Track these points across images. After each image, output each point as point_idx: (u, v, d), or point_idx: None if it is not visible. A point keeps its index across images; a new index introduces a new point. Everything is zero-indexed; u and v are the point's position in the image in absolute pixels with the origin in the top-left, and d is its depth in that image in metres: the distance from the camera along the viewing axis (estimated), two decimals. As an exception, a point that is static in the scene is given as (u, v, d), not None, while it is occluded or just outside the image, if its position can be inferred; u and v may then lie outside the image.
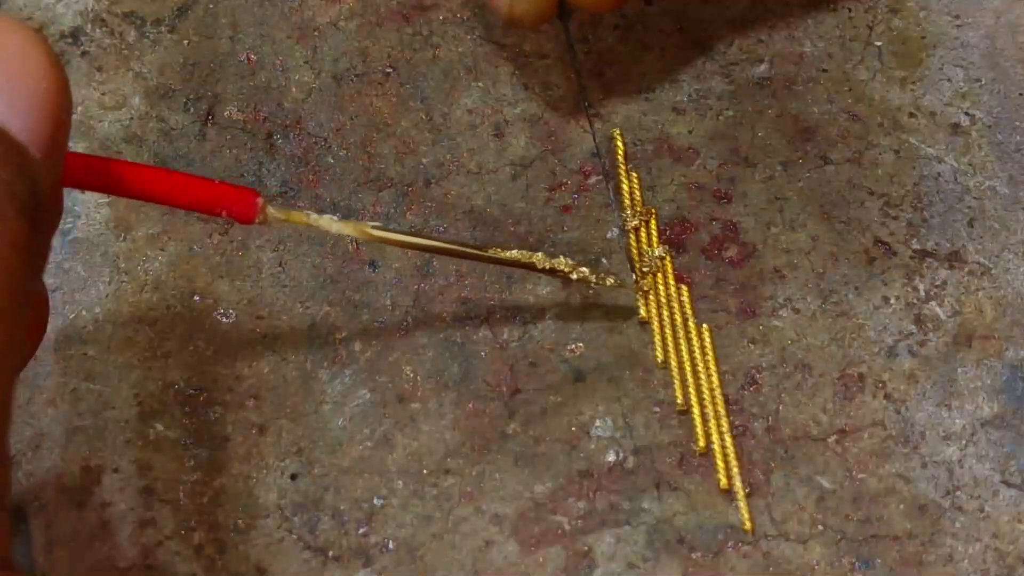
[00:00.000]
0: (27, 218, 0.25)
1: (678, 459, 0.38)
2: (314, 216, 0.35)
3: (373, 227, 0.36)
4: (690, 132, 0.44)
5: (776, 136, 0.43)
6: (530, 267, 0.38)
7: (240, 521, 0.37)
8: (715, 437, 0.38)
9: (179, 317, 0.40)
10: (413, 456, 0.38)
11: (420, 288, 0.41)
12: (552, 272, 0.38)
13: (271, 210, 0.33)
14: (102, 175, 0.31)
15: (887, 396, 0.39)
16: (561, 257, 0.38)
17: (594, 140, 0.43)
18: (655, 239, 0.41)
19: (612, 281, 0.39)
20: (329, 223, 0.35)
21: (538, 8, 0.40)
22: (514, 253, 0.38)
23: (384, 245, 0.39)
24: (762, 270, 0.41)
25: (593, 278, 0.39)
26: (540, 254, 0.38)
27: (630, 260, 0.41)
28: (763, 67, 0.45)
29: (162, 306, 0.40)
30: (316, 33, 0.46)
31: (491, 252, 0.38)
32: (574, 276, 0.39)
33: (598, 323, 0.40)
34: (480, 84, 0.45)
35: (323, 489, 0.37)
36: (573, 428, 0.38)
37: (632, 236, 0.41)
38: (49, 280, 0.40)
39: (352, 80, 0.45)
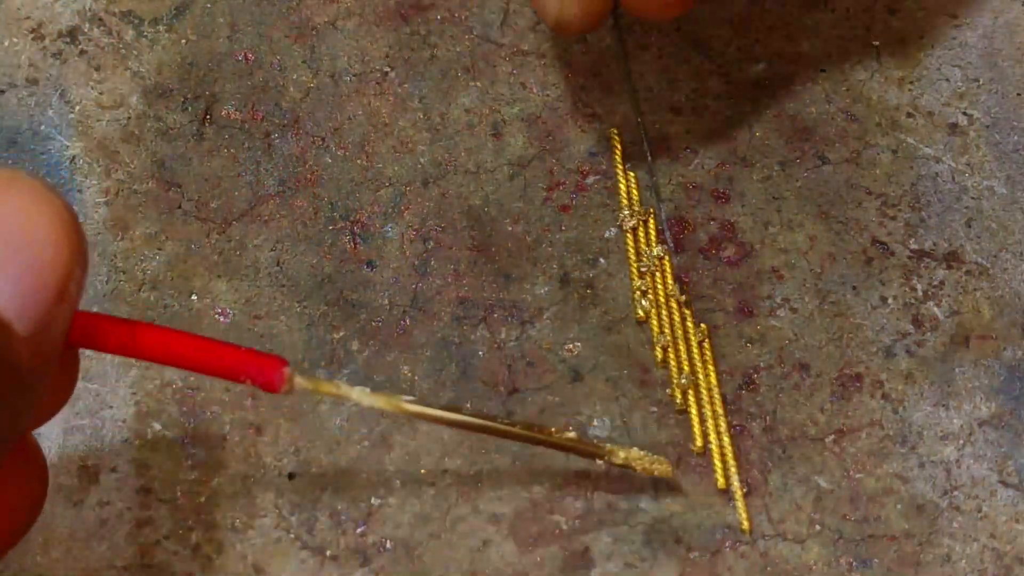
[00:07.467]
0: None
1: (676, 459, 0.38)
2: (344, 387, 0.32)
3: (408, 401, 0.33)
4: (688, 132, 0.44)
5: (774, 136, 0.43)
6: (587, 453, 0.36)
7: (237, 520, 0.37)
8: (713, 437, 0.38)
9: (177, 316, 0.40)
10: (411, 456, 0.38)
11: (418, 288, 0.41)
12: (613, 463, 0.36)
13: (299, 380, 0.31)
14: (115, 337, 0.29)
15: (885, 396, 0.39)
16: (635, 450, 0.36)
17: (649, 159, 0.42)
18: (653, 239, 0.41)
19: (661, 468, 0.36)
20: (360, 395, 0.32)
21: (588, 13, 0.38)
22: (568, 436, 0.35)
23: (384, 249, 0.39)
24: (760, 270, 0.41)
25: (653, 467, 0.36)
26: (610, 445, 0.36)
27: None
28: (761, 67, 0.45)
29: (160, 305, 0.40)
30: (314, 32, 0.46)
31: (536, 432, 0.35)
32: (636, 468, 0.36)
33: (596, 323, 0.40)
34: (478, 84, 0.45)
35: (321, 489, 0.37)
36: (571, 428, 0.38)
37: (630, 236, 0.41)
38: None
39: (350, 80, 0.45)
